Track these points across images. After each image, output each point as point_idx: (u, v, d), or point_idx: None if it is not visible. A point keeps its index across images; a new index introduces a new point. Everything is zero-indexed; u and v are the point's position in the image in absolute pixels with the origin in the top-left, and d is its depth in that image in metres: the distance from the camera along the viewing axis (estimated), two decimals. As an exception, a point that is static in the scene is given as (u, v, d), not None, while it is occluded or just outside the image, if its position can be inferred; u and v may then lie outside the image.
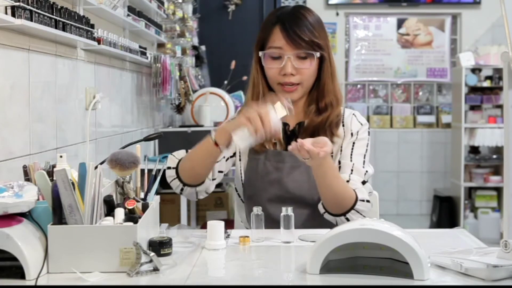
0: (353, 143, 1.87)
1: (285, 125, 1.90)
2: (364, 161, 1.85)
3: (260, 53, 1.87)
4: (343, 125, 1.89)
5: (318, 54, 1.83)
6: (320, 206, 1.79)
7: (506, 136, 1.27)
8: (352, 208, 1.73)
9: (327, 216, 1.77)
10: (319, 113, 1.88)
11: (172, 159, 1.87)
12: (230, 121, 1.75)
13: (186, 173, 1.82)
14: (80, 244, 1.29)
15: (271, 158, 1.87)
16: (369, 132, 1.91)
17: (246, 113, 1.60)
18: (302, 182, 1.84)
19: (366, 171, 1.83)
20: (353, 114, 1.92)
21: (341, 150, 1.86)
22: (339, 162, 1.85)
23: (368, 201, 1.77)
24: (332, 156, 1.85)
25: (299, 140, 1.59)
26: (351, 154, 1.85)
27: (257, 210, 1.63)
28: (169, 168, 1.85)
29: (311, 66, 1.84)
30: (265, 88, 1.89)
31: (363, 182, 1.81)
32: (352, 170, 1.82)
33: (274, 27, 1.84)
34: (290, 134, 1.90)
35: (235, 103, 4.68)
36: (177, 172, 1.84)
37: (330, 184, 1.71)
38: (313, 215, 1.83)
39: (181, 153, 1.88)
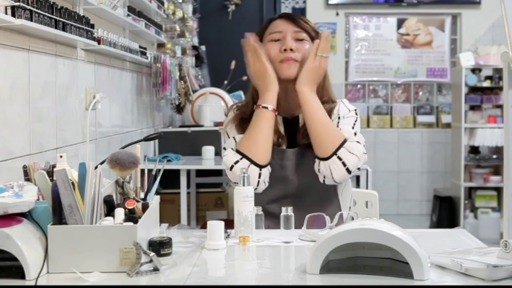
0: (339, 120, 1.87)
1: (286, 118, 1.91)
2: (353, 128, 1.85)
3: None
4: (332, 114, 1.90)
5: (316, 41, 1.87)
6: (315, 166, 1.79)
7: (506, 136, 1.27)
8: (342, 145, 1.75)
9: (322, 167, 1.77)
10: None
11: (230, 155, 1.84)
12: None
13: (253, 150, 1.80)
14: (80, 244, 1.29)
15: (274, 155, 1.86)
16: (356, 112, 1.91)
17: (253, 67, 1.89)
18: (307, 179, 1.84)
19: (355, 133, 1.83)
20: (341, 101, 1.93)
21: None
22: None
23: (360, 143, 1.80)
24: None
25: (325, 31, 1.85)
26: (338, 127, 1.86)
27: (257, 210, 1.63)
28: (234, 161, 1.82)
29: (309, 48, 1.88)
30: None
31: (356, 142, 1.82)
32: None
33: (275, 20, 1.95)
34: (292, 125, 1.90)
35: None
36: (242, 154, 1.81)
37: (320, 119, 1.78)
38: (318, 211, 1.82)
39: (231, 153, 1.84)
